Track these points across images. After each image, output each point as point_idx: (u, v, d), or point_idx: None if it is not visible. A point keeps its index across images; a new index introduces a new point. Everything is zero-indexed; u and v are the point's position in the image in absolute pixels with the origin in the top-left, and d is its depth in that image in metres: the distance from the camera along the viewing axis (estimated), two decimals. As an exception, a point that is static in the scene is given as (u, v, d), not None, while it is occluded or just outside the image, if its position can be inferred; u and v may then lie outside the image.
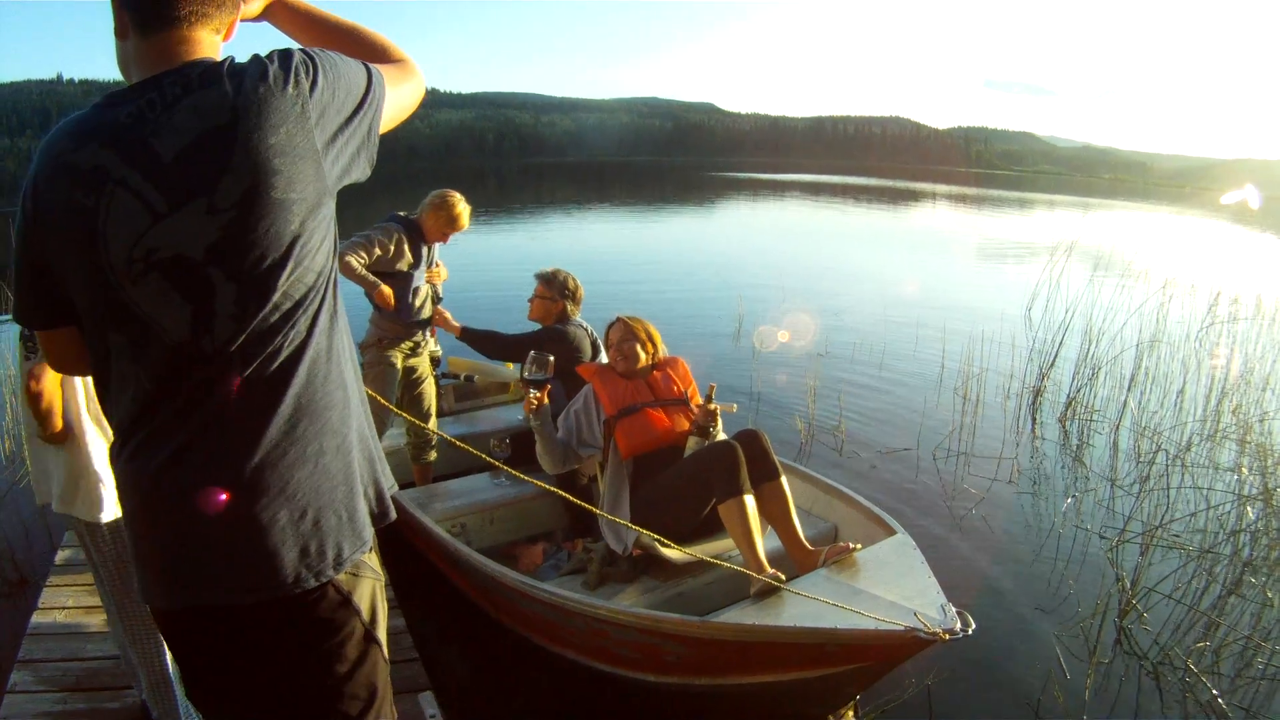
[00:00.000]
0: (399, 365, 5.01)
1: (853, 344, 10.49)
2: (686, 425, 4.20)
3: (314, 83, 1.48)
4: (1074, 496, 6.10)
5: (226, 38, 1.62)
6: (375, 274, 4.73)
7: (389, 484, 1.77)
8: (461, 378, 6.51)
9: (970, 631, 2.87)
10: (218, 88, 1.42)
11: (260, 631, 1.63)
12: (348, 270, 4.60)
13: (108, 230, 1.41)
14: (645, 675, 3.52)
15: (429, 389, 5.27)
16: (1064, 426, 7.60)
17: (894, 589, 3.23)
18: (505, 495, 4.89)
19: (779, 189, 63.02)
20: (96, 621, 3.92)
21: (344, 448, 1.61)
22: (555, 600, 3.52)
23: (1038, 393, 8.20)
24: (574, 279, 5.27)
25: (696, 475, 3.89)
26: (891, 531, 3.85)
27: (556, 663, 3.84)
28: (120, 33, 1.53)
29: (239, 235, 1.41)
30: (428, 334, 5.24)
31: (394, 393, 5.03)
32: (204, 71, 1.45)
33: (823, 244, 25.90)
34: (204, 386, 1.48)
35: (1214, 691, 3.89)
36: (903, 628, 2.84)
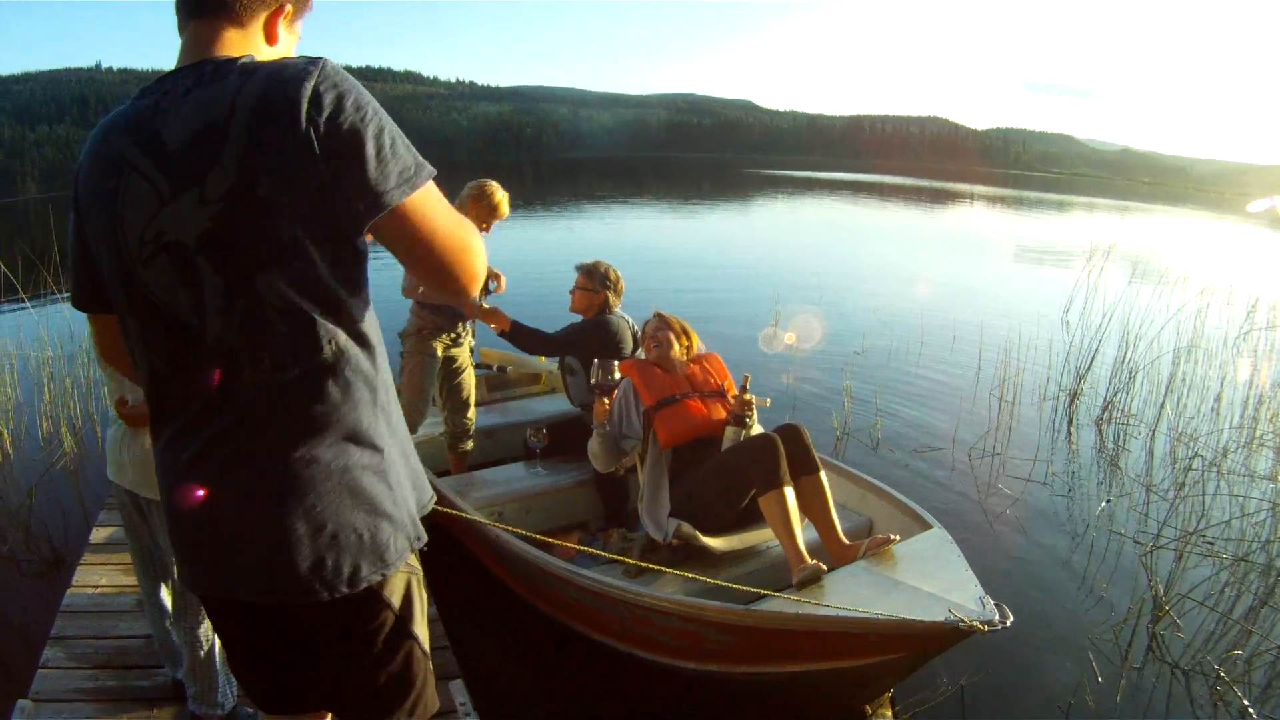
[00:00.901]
0: (439, 355, 5.00)
1: (889, 343, 10.43)
2: (724, 415, 4.22)
3: (338, 106, 1.40)
4: (1109, 500, 6.04)
5: (271, 41, 1.61)
6: None
7: (425, 499, 1.75)
8: (494, 368, 6.55)
9: (1009, 623, 2.86)
10: (225, 83, 1.42)
11: (291, 621, 1.64)
12: (416, 295, 4.77)
13: (124, 213, 1.46)
14: (686, 663, 3.52)
15: (469, 379, 5.26)
16: (1100, 430, 7.50)
17: (932, 581, 3.24)
18: (542, 484, 4.92)
19: (816, 187, 62.70)
20: (129, 600, 3.95)
21: (372, 467, 1.57)
22: (600, 588, 3.53)
23: (1074, 395, 8.10)
24: (614, 270, 5.25)
25: (737, 467, 3.90)
26: (928, 526, 3.85)
27: (597, 649, 3.86)
28: (180, 28, 1.57)
29: (224, 229, 1.40)
30: (469, 325, 5.23)
31: (432, 383, 5.04)
32: (218, 66, 1.46)
33: (860, 243, 25.76)
34: (214, 380, 1.48)
35: (1244, 701, 3.84)
36: (942, 619, 2.83)
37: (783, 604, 3.18)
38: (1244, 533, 5.43)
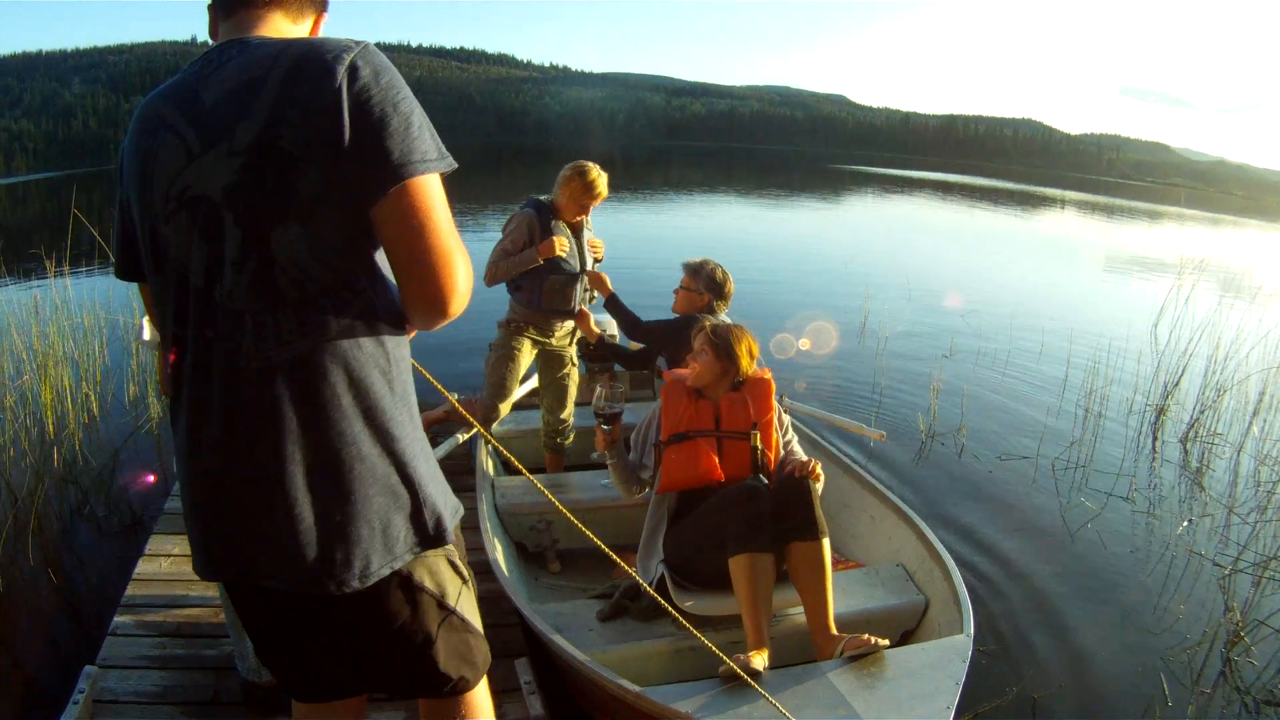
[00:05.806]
0: (523, 352, 4.68)
1: (978, 345, 10.15)
2: (743, 461, 3.52)
3: (373, 79, 1.39)
4: (1190, 520, 5.80)
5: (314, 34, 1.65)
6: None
7: (450, 505, 1.65)
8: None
9: None
10: (267, 49, 1.41)
11: (317, 609, 1.57)
12: (499, 277, 4.47)
13: (155, 170, 1.45)
14: None
15: (568, 376, 4.90)
16: (1185, 448, 7.20)
17: (889, 715, 2.56)
18: (604, 498, 4.44)
19: (908, 185, 61.38)
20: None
21: (387, 455, 1.50)
22: (532, 620, 3.14)
23: (1161, 411, 7.78)
24: (723, 271, 4.67)
25: (716, 519, 3.25)
26: (957, 632, 3.11)
27: (555, 686, 3.36)
28: (211, 32, 1.59)
29: (248, 180, 1.36)
30: (565, 323, 4.77)
31: (514, 378, 4.69)
32: (263, 40, 1.47)
33: (951, 243, 25.03)
34: (225, 349, 1.43)
35: (1318, 735, 3.69)
36: None
37: (685, 695, 2.63)
38: (1326, 562, 5.19)
